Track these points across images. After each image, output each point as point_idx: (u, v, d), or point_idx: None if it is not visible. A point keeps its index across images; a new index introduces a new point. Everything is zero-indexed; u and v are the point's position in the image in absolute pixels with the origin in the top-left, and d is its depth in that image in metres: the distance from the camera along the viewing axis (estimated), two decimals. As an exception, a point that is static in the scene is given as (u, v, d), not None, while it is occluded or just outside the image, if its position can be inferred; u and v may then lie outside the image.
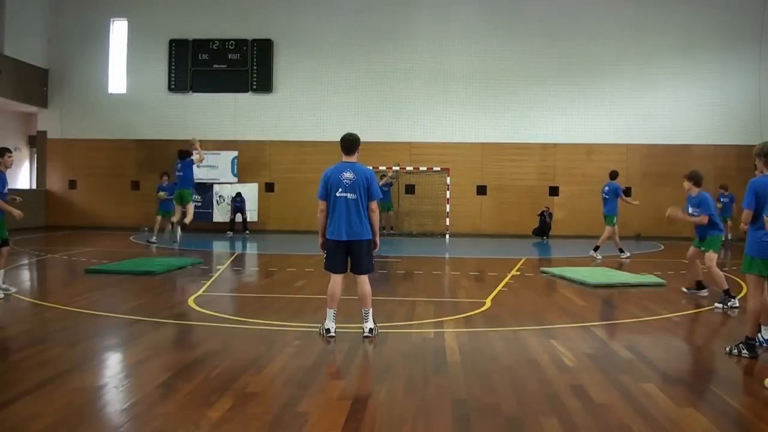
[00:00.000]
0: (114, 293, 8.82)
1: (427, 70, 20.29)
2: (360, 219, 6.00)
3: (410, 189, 20.46)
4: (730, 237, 16.83)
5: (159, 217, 16.06)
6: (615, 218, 13.28)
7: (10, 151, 8.22)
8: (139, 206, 20.49)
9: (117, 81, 21.44)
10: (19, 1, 19.85)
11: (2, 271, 8.22)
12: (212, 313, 7.26)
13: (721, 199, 17.09)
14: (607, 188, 13.45)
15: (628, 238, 19.32)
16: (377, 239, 6.19)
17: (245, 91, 20.86)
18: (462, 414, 4.07)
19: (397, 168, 19.61)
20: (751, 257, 5.48)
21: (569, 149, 20.18)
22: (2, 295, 7.92)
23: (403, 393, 4.47)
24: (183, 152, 14.66)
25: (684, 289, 8.97)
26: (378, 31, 20.36)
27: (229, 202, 20.13)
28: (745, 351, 5.46)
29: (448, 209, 19.54)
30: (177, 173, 14.41)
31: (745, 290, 6.98)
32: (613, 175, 13.71)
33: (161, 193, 15.97)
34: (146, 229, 20.17)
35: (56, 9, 21.27)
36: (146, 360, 5.32)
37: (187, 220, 14.38)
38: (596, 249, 13.35)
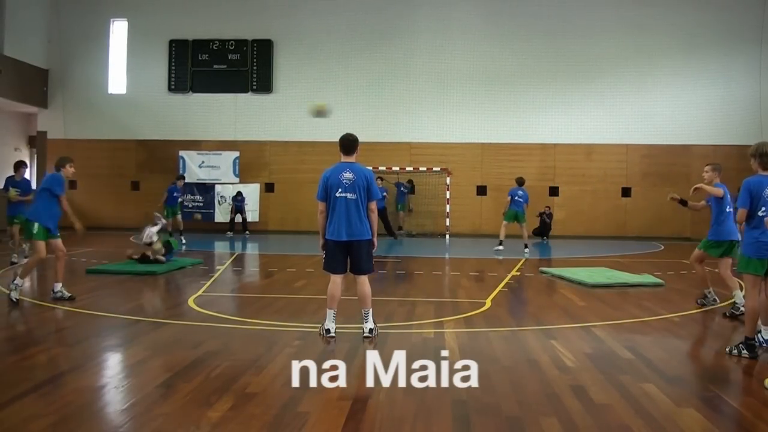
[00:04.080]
0: (114, 293, 8.81)
1: (427, 70, 20.28)
2: (360, 219, 5.99)
3: (410, 189, 20.45)
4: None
5: (13, 227, 11.33)
6: None
7: None
8: (139, 206, 20.48)
9: (117, 81, 21.45)
10: (19, 1, 19.85)
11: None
12: (212, 313, 7.25)
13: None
14: None
15: (629, 238, 19.34)
16: (375, 239, 6.20)
17: (245, 91, 20.86)
18: (462, 414, 4.07)
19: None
20: (748, 257, 5.54)
21: (569, 149, 20.17)
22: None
23: (403, 393, 4.46)
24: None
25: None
26: (378, 32, 20.36)
27: (230, 202, 20.13)
28: (745, 351, 5.46)
29: (448, 209, 19.54)
30: (175, 194, 16.67)
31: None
32: None
33: (12, 192, 11.00)
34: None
35: (56, 9, 21.28)
36: (146, 360, 5.31)
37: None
38: None
